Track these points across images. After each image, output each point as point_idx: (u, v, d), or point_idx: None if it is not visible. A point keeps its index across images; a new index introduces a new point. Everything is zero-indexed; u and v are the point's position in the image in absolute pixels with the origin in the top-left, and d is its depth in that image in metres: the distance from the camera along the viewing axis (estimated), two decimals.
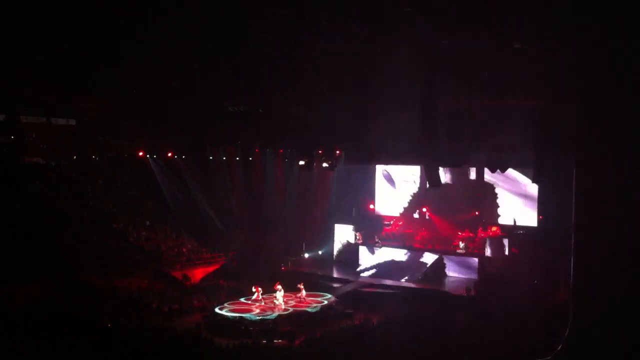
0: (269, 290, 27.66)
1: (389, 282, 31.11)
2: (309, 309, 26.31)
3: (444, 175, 32.57)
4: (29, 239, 28.36)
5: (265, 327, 24.31)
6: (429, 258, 32.49)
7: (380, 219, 36.90)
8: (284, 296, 27.24)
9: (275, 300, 26.89)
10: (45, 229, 29.88)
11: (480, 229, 32.83)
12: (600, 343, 10.95)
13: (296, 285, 28.45)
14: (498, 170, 28.90)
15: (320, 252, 36.91)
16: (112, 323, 21.87)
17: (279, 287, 27.18)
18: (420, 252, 33.08)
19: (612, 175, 11.20)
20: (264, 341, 22.09)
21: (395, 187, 36.77)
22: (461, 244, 32.41)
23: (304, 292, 28.18)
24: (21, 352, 16.28)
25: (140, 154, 37.93)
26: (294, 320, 25.22)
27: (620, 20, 10.94)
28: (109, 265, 29.51)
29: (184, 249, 33.84)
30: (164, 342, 20.18)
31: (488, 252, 31.02)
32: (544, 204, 30.86)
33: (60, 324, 19.50)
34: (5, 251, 26.56)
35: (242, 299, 27.44)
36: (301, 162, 31.38)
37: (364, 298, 28.75)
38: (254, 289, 27.50)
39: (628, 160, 11.67)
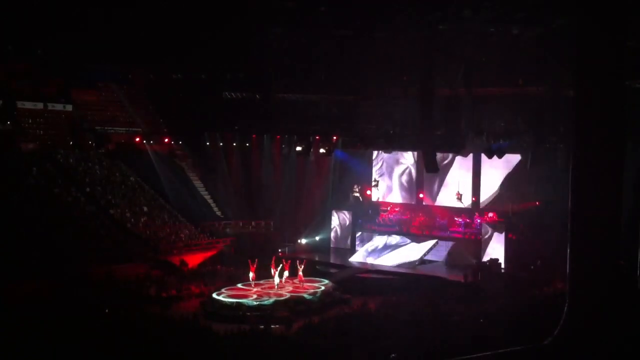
0: (267, 275, 27.63)
1: (386, 268, 31.16)
2: (306, 295, 26.33)
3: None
4: (29, 232, 28.29)
5: (262, 312, 24.37)
6: (426, 244, 32.54)
7: (377, 204, 36.91)
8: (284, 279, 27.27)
9: (276, 278, 26.92)
10: (45, 221, 29.80)
11: (477, 214, 32.87)
12: (595, 330, 10.99)
13: (296, 267, 27.77)
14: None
15: (317, 238, 36.95)
16: (111, 313, 21.89)
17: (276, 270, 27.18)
18: (418, 237, 33.12)
19: (609, 161, 11.16)
20: (262, 327, 22.14)
21: (393, 173, 36.68)
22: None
23: (301, 274, 27.64)
24: (22, 348, 16.28)
25: (137, 139, 37.91)
26: (291, 306, 25.25)
27: (620, 7, 10.88)
28: (108, 253, 29.48)
29: (182, 235, 33.85)
30: (163, 329, 20.24)
31: (485, 238, 31.06)
32: (540, 190, 30.87)
33: (60, 316, 19.54)
34: (4, 246, 26.43)
35: (240, 285, 27.45)
36: (298, 148, 31.32)
37: (362, 284, 28.79)
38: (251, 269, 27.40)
39: (626, 146, 11.62)
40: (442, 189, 34.41)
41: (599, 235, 11.14)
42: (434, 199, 34.93)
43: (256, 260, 27.28)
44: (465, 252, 31.82)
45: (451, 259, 31.96)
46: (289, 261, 27.97)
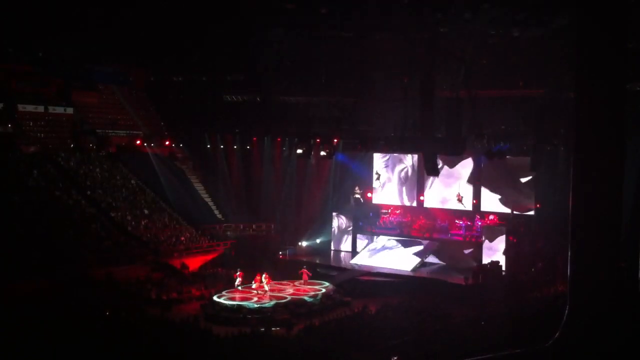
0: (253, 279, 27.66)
1: (386, 270, 31.09)
2: (306, 298, 26.31)
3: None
4: (29, 234, 28.28)
5: (263, 315, 24.35)
6: (426, 246, 32.47)
7: (378, 207, 36.81)
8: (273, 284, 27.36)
9: (265, 287, 26.92)
10: (45, 223, 29.79)
11: (477, 217, 32.81)
12: (596, 333, 10.93)
13: (298, 271, 28.42)
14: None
15: (317, 241, 36.89)
16: (112, 314, 21.86)
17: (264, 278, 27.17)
18: (418, 240, 33.06)
19: (610, 162, 11.11)
20: (262, 329, 22.11)
21: (393, 176, 36.52)
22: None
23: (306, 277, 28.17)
24: (22, 348, 16.25)
25: (138, 142, 37.94)
26: (292, 308, 25.23)
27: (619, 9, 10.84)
28: (108, 255, 29.45)
29: (182, 238, 33.81)
30: (163, 331, 20.20)
31: (486, 240, 31.01)
32: (541, 192, 30.82)
33: (60, 317, 19.52)
34: (5, 246, 26.42)
35: (239, 287, 27.42)
36: (299, 151, 31.21)
37: (362, 286, 28.76)
38: (238, 275, 27.46)
39: (626, 147, 11.57)
40: (443, 191, 34.32)
41: (599, 237, 11.10)
42: (434, 202, 34.82)
43: (241, 273, 27.53)
44: (466, 254, 31.76)
45: (451, 262, 31.83)
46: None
